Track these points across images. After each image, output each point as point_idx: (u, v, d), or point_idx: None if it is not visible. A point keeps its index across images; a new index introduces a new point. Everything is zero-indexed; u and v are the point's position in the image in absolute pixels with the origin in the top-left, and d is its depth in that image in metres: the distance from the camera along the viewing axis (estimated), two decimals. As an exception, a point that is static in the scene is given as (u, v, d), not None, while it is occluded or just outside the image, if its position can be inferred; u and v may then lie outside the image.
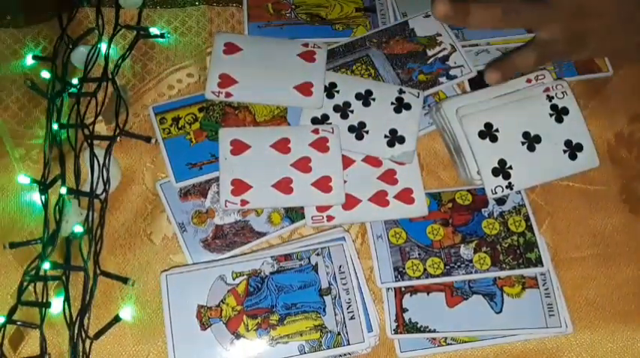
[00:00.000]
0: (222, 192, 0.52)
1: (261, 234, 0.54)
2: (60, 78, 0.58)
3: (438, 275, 0.52)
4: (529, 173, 0.53)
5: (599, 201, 0.57)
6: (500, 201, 0.55)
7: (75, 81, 0.58)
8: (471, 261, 0.53)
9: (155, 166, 0.57)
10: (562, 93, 0.55)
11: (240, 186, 0.53)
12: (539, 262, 0.52)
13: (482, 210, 0.55)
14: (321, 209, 0.53)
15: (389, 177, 0.55)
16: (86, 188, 0.54)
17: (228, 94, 0.56)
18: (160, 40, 0.62)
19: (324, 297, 0.50)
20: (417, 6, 0.63)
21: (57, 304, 0.51)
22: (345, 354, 0.50)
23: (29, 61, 0.60)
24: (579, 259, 0.55)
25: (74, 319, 0.50)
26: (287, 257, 0.52)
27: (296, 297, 0.50)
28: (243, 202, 0.52)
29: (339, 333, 0.49)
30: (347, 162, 0.55)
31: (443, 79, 0.58)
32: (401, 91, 0.57)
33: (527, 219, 0.54)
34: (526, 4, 0.52)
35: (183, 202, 0.55)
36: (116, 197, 0.56)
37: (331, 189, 0.53)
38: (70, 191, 0.53)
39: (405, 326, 0.51)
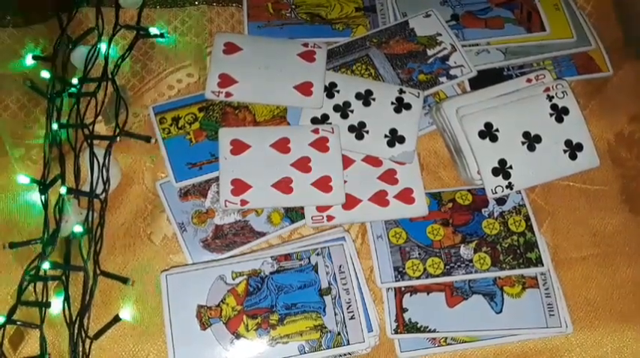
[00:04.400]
0: (222, 191, 0.52)
1: (261, 234, 0.54)
2: (60, 78, 0.58)
3: (438, 275, 0.52)
4: (529, 173, 0.53)
5: (599, 201, 0.57)
6: (501, 201, 0.55)
7: (75, 81, 0.58)
8: (471, 260, 0.52)
9: (155, 166, 0.57)
10: (562, 92, 0.55)
11: (240, 186, 0.53)
12: (539, 262, 0.52)
13: (483, 209, 0.55)
14: (321, 209, 0.53)
15: (389, 177, 0.55)
16: (86, 188, 0.54)
17: (228, 94, 0.56)
18: (160, 39, 0.62)
19: (324, 297, 0.50)
20: (417, 6, 0.63)
21: (57, 304, 0.51)
22: (345, 354, 0.50)
23: (29, 60, 0.60)
24: (579, 259, 0.55)
25: (74, 319, 0.50)
26: (287, 257, 0.52)
27: (296, 297, 0.50)
28: (243, 202, 0.52)
29: (339, 333, 0.49)
30: (347, 162, 0.55)
31: (443, 79, 0.58)
32: (401, 91, 0.57)
33: (527, 219, 0.54)
34: None
35: (183, 202, 0.55)
36: (116, 197, 0.56)
37: (331, 189, 0.53)
38: (69, 191, 0.53)
39: (405, 326, 0.51)
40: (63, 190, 0.52)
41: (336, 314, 0.50)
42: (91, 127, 0.57)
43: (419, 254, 0.53)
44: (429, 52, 0.60)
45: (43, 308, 0.50)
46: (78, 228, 0.51)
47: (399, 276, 0.52)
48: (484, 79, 0.58)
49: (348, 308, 0.50)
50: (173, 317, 0.49)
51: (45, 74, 0.58)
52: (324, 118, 0.56)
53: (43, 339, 0.49)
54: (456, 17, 0.62)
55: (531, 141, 0.53)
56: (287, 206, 0.54)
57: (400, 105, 0.56)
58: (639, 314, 0.53)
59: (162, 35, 0.62)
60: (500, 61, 0.61)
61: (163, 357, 0.50)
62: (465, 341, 0.51)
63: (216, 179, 0.54)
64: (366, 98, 0.57)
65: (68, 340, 0.49)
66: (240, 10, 0.64)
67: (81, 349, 0.49)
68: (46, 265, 0.51)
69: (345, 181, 0.54)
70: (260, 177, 0.53)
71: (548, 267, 0.52)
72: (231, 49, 0.58)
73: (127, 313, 0.51)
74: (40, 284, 0.51)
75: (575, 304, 0.53)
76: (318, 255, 0.52)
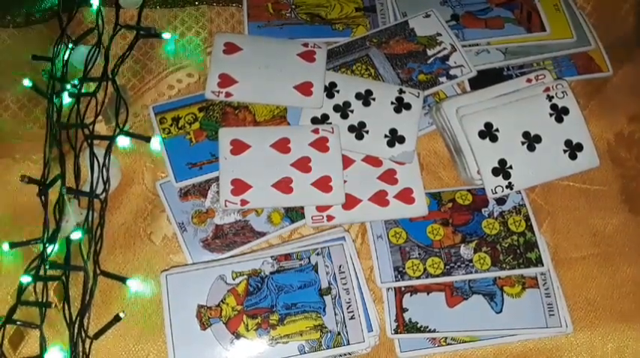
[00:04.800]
0: (222, 191, 0.52)
1: (261, 234, 0.54)
2: (60, 78, 0.58)
3: (438, 275, 0.52)
4: (529, 173, 0.53)
5: (599, 201, 0.57)
6: (501, 201, 0.55)
7: (75, 81, 0.58)
8: (471, 260, 0.52)
9: (155, 166, 0.57)
10: (562, 92, 0.55)
11: (240, 186, 0.53)
12: (539, 262, 0.52)
13: (483, 209, 0.55)
14: (321, 209, 0.53)
15: (389, 177, 0.55)
16: (86, 188, 0.54)
17: (228, 94, 0.56)
18: (160, 39, 0.62)
19: (324, 297, 0.50)
20: (417, 6, 0.63)
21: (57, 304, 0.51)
22: (345, 354, 0.50)
23: (29, 60, 0.60)
24: (579, 259, 0.55)
25: (74, 319, 0.50)
26: (287, 257, 0.52)
27: (296, 297, 0.50)
28: (243, 202, 0.52)
29: (339, 333, 0.49)
30: (347, 162, 0.55)
31: (443, 79, 0.58)
32: (401, 91, 0.57)
33: (527, 219, 0.54)
34: None
35: (183, 202, 0.55)
36: (116, 197, 0.56)
37: (331, 189, 0.53)
38: (69, 191, 0.53)
39: (405, 326, 0.51)
40: (63, 190, 0.52)
41: (336, 314, 0.50)
42: (91, 127, 0.57)
43: (419, 254, 0.53)
44: (429, 52, 0.60)
45: (43, 308, 0.50)
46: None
47: (399, 276, 0.52)
48: (484, 79, 0.58)
49: (348, 308, 0.50)
50: (173, 317, 0.49)
51: (45, 74, 0.58)
52: (324, 118, 0.56)
53: (43, 339, 0.49)
54: (456, 17, 0.62)
55: (531, 141, 0.54)
56: (287, 206, 0.54)
57: (400, 105, 0.56)
58: (639, 314, 0.53)
59: (162, 35, 0.62)
60: (500, 61, 0.61)
61: (163, 357, 0.50)
62: (465, 341, 0.51)
63: (217, 179, 0.54)
64: (366, 98, 0.57)
65: (68, 340, 0.49)
66: (240, 10, 0.64)
67: (81, 349, 0.49)
68: (46, 265, 0.51)
69: (345, 181, 0.54)
70: (260, 177, 0.53)
71: (548, 266, 0.52)
72: (231, 49, 0.58)
73: (127, 313, 0.51)
74: (40, 284, 0.51)
75: (575, 304, 0.53)
76: (318, 254, 0.52)
